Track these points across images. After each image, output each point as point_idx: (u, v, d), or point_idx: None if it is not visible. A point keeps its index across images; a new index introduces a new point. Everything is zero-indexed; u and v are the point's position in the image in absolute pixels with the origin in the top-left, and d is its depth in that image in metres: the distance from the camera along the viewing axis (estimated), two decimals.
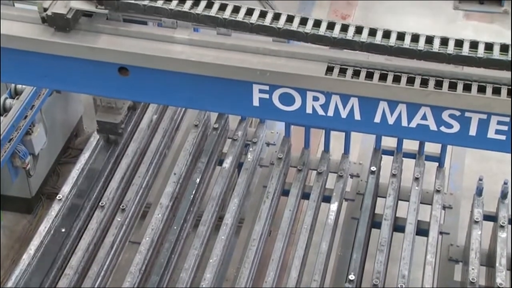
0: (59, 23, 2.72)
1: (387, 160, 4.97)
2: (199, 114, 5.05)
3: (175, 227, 4.51)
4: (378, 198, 4.87)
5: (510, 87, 2.63)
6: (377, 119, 2.81)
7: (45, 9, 2.71)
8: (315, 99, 2.77)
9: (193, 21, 2.75)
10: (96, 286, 4.13)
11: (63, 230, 4.35)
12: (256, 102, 2.82)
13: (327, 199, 4.77)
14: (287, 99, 2.79)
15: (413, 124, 2.79)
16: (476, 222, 4.35)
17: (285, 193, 4.83)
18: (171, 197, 4.58)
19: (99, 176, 4.71)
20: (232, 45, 2.79)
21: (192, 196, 4.68)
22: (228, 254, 4.49)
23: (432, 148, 4.91)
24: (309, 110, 2.81)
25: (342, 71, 2.71)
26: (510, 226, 4.43)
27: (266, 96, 2.80)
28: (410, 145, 4.94)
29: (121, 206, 4.47)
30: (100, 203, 4.48)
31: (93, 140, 4.78)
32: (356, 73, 2.72)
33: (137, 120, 5.04)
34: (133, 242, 4.51)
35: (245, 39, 2.81)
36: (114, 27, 2.82)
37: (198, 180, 4.76)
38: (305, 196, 4.82)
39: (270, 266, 4.28)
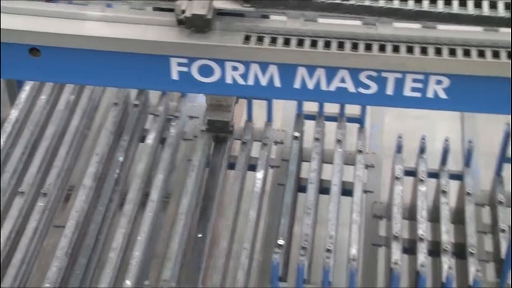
0: (198, 24, 2.65)
1: (309, 125, 5.04)
2: (118, 92, 4.97)
3: (100, 208, 4.46)
4: (303, 163, 4.94)
5: (423, 45, 2.70)
6: (297, 85, 2.84)
7: (183, 11, 2.64)
8: (234, 69, 2.77)
9: None
10: (21, 274, 4.04)
11: None
12: (175, 76, 2.80)
13: (252, 168, 4.80)
14: (206, 70, 2.78)
15: (332, 88, 2.83)
16: (397, 178, 4.48)
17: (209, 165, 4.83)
18: (94, 177, 4.51)
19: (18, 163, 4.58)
20: (146, 20, 2.75)
21: (116, 175, 4.63)
22: (157, 230, 4.47)
23: (352, 110, 5.00)
24: (229, 80, 2.81)
25: (260, 40, 2.72)
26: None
27: (185, 69, 2.78)
28: (331, 108, 5.01)
29: (42, 191, 4.37)
30: (19, 189, 4.36)
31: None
32: (274, 41, 2.73)
33: (54, 102, 4.92)
34: (57, 226, 4.43)
35: (160, 14, 2.77)
36: None
37: (121, 158, 4.70)
38: (231, 166, 4.83)
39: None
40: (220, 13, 2.76)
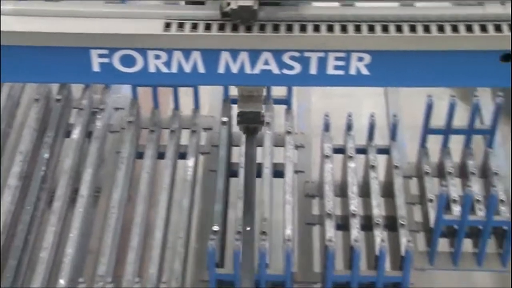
0: (244, 15, 2.62)
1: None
2: (38, 87, 4.84)
3: (28, 207, 4.35)
4: (233, 148, 4.94)
5: (343, 24, 2.73)
6: (221, 69, 2.82)
7: (228, 4, 2.59)
8: (157, 57, 2.74)
9: None
10: None
11: None
12: (96, 68, 2.74)
13: (183, 156, 4.77)
14: (128, 60, 2.74)
15: (256, 71, 2.83)
16: (327, 156, 4.53)
17: (140, 156, 4.77)
18: (19, 177, 4.39)
19: None
20: (63, 11, 2.68)
21: (42, 173, 4.52)
22: (89, 226, 4.40)
23: (278, 91, 5.02)
24: (152, 69, 2.78)
25: (181, 26, 2.69)
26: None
27: (106, 60, 2.72)
28: None
29: None
30: None
31: None
32: (195, 27, 2.70)
33: None
34: None
35: (76, 4, 2.71)
36: None
37: (47, 155, 4.59)
38: (161, 156, 4.79)
39: (133, 231, 4.24)
40: None
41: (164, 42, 2.68)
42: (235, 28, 2.70)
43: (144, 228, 4.37)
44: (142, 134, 4.94)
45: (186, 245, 4.30)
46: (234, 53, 2.77)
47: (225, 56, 2.78)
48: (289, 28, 2.73)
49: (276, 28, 2.72)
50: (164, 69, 2.78)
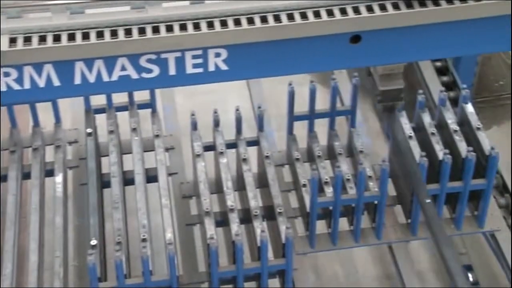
0: None
1: (101, 119, 4.92)
2: None
3: None
4: (102, 158, 4.82)
5: (195, 21, 2.72)
6: (77, 80, 2.75)
7: None
8: (6, 75, 2.62)
9: None
10: None
11: None
12: None
13: (50, 173, 4.60)
14: None
15: (114, 77, 2.78)
16: (198, 155, 4.52)
17: (4, 178, 4.56)
18: None
19: None
20: None
21: None
22: None
23: (142, 96, 4.95)
24: (3, 87, 2.66)
25: (28, 40, 2.58)
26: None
27: None
28: (120, 98, 4.93)
29: None
30: None
31: None
32: (43, 39, 2.61)
33: None
34: None
35: None
36: None
37: None
38: (26, 176, 4.60)
39: (5, 258, 4.05)
40: None
41: (11, 58, 2.57)
42: (86, 37, 2.63)
43: (17, 253, 4.17)
44: (3, 156, 4.73)
45: (65, 263, 4.16)
46: (89, 62, 2.71)
47: (79, 66, 2.71)
48: (142, 31, 2.69)
49: (128, 33, 2.67)
50: (17, 86, 2.67)
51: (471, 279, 4.88)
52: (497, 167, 4.30)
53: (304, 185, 4.55)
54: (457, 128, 4.42)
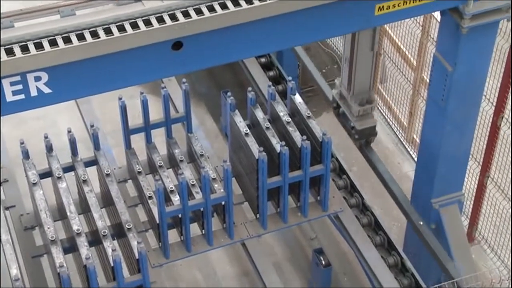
0: None
1: None
2: None
3: None
4: None
5: (7, 46, 2.61)
6: None
7: None
8: None
9: None
10: None
11: None
12: None
13: None
14: None
15: None
16: (34, 184, 4.34)
17: None
18: None
19: None
20: None
21: None
22: None
23: None
24: None
25: None
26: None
27: None
28: None
29: None
30: None
31: None
32: None
33: None
34: None
35: None
36: None
37: None
38: None
39: None
40: None
41: None
42: None
43: None
44: None
45: None
46: None
47: None
48: None
49: None
50: None
51: (323, 262, 5.07)
52: (331, 151, 4.49)
53: (150, 197, 4.51)
54: (289, 119, 4.56)
